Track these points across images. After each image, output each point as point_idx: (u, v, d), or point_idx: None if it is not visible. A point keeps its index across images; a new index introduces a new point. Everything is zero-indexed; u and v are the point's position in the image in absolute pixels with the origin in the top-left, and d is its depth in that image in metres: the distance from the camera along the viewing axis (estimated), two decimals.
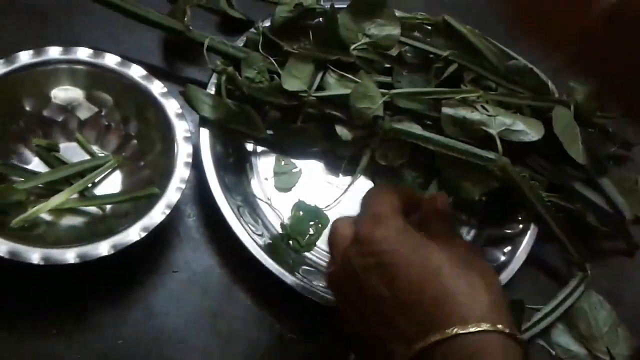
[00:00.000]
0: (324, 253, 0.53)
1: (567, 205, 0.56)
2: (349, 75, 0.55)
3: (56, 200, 0.46)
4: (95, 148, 0.53)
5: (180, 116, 0.50)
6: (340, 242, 0.40)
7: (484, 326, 0.33)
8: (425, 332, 0.34)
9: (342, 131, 0.55)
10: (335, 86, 0.55)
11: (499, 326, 0.33)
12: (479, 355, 0.33)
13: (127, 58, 0.52)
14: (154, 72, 0.52)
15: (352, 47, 0.57)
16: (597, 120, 0.62)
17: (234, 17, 0.63)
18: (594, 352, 0.51)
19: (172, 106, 0.50)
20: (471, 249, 0.42)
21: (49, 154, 0.51)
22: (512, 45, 0.64)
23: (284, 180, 0.57)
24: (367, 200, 0.42)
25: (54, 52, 0.50)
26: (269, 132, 0.56)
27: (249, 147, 0.57)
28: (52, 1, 0.61)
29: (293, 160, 0.57)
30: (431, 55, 0.59)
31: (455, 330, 0.33)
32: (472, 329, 0.33)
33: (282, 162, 0.57)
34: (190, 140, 0.49)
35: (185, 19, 0.56)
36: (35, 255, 0.42)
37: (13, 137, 0.50)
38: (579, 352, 0.51)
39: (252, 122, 0.54)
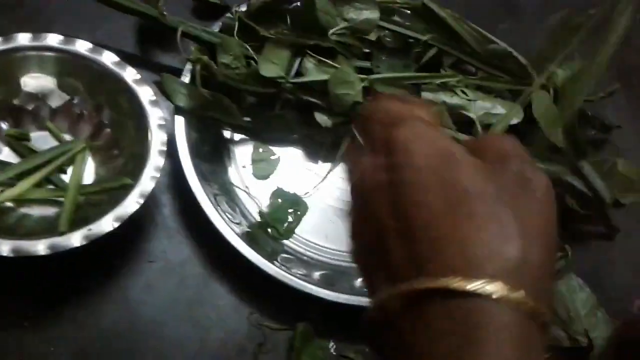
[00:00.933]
0: (303, 240, 0.52)
1: None
2: (328, 61, 0.54)
3: (20, 187, 0.45)
4: (67, 137, 0.51)
5: (154, 103, 0.49)
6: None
7: (495, 287, 0.23)
8: (415, 273, 0.24)
9: (321, 118, 0.55)
10: (313, 72, 0.54)
11: (519, 293, 0.23)
12: (473, 323, 0.23)
13: (101, 45, 0.50)
14: (128, 59, 0.50)
15: (331, 31, 0.56)
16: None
17: (210, 1, 0.61)
18: (573, 335, 0.51)
19: (145, 93, 0.49)
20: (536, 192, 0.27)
21: (20, 144, 0.50)
22: (493, 29, 0.63)
23: (262, 168, 0.56)
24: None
25: (23, 38, 0.49)
26: (247, 119, 0.55)
27: (226, 134, 0.56)
28: None
29: (271, 148, 0.57)
30: (410, 40, 0.59)
31: (450, 281, 0.23)
32: (474, 286, 0.23)
33: (260, 150, 0.56)
34: (164, 128, 0.48)
35: (160, 3, 0.55)
36: (4, 247, 0.41)
37: None
38: (558, 335, 0.51)
39: (228, 111, 0.53)
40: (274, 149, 0.57)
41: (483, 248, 0.24)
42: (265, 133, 0.57)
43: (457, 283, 0.23)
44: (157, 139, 0.47)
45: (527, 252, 0.24)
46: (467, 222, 0.25)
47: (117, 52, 0.51)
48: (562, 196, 0.56)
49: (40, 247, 0.41)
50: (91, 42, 0.50)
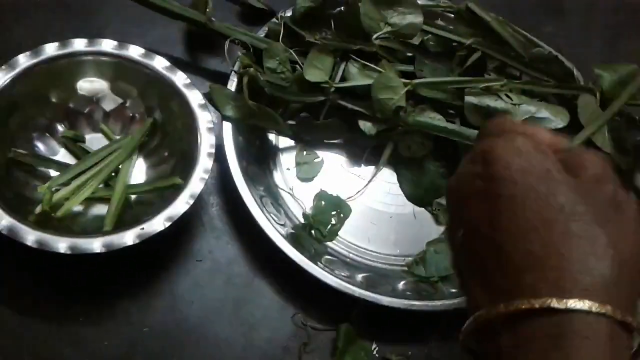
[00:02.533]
0: (346, 243, 0.53)
1: None
2: (371, 65, 0.55)
3: (86, 192, 0.47)
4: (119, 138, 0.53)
5: (203, 107, 0.50)
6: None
7: (588, 304, 0.25)
8: (514, 290, 0.26)
9: (365, 125, 0.55)
10: (357, 76, 0.55)
11: (608, 308, 0.25)
12: (570, 339, 0.25)
13: (151, 50, 0.52)
14: (177, 63, 0.52)
15: (374, 36, 0.57)
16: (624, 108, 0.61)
17: (256, 7, 0.63)
18: None
19: (195, 97, 0.50)
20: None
21: (75, 145, 0.52)
22: (538, 32, 0.63)
23: (306, 170, 0.57)
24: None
25: (79, 44, 0.51)
26: (291, 122, 0.56)
27: (271, 137, 0.58)
28: None
29: (315, 151, 0.57)
30: (454, 44, 0.59)
31: (548, 302, 0.25)
32: (570, 304, 0.25)
33: (304, 152, 0.57)
34: (213, 131, 0.49)
35: (207, 10, 0.56)
36: (62, 245, 0.43)
37: (40, 128, 0.51)
38: None
39: (274, 121, 0.54)
40: (318, 151, 0.57)
41: (578, 265, 0.26)
42: (309, 138, 0.58)
43: (556, 303, 0.25)
44: (206, 142, 0.49)
45: (618, 271, 0.26)
46: (563, 240, 0.26)
47: (166, 56, 0.52)
48: None
49: (96, 245, 0.43)
50: (142, 47, 0.52)
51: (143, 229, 0.44)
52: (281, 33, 0.56)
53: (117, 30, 0.59)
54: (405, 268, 0.52)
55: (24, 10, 0.60)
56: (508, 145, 0.28)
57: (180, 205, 0.46)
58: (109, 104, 0.53)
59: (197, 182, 0.47)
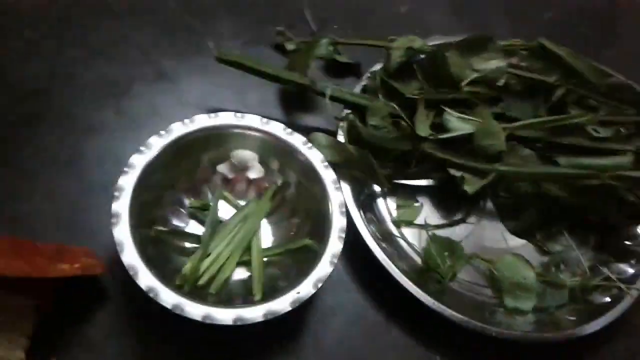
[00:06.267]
0: (468, 284, 0.56)
1: None
2: (466, 116, 0.58)
3: (232, 263, 0.50)
4: (241, 202, 0.56)
5: (327, 167, 0.53)
6: None
7: None
8: None
9: (467, 184, 0.57)
10: (456, 125, 0.58)
11: None
12: None
13: (247, 112, 0.55)
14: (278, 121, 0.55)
15: (463, 83, 0.60)
16: None
17: (341, 61, 0.66)
18: None
19: (316, 156, 0.54)
20: None
21: (203, 213, 0.55)
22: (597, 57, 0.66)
23: (408, 214, 0.60)
24: None
25: (227, 117, 0.54)
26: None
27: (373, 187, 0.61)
28: (178, 68, 0.65)
29: (416, 195, 0.61)
30: (535, 81, 0.63)
31: None
32: None
33: (403, 198, 0.60)
34: (340, 189, 0.52)
35: (308, 71, 0.60)
36: (227, 317, 0.46)
37: (171, 201, 0.54)
38: None
39: (374, 172, 0.57)
40: (419, 196, 0.61)
41: None
42: (404, 182, 0.61)
43: None
44: (335, 201, 0.52)
45: None
46: None
47: (271, 117, 0.55)
48: None
49: (257, 314, 0.46)
50: (240, 109, 0.55)
51: (299, 292, 0.47)
52: (379, 89, 0.60)
53: (218, 97, 0.62)
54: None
55: None
56: None
57: (325, 266, 0.48)
58: (254, 173, 0.56)
59: (336, 241, 0.50)
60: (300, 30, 0.69)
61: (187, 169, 0.55)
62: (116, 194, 0.48)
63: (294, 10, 0.72)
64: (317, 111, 0.63)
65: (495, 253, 0.58)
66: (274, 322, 0.49)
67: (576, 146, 0.60)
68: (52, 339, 0.47)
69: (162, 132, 0.52)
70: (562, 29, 0.77)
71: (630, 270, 0.57)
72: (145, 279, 0.45)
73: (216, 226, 0.54)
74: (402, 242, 0.58)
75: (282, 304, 0.47)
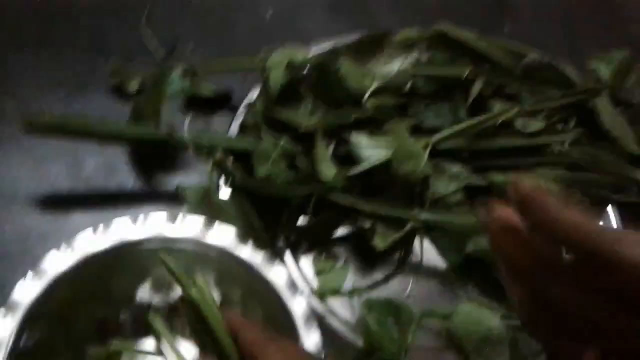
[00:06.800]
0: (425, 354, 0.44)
1: None
2: (377, 137, 0.45)
3: None
4: None
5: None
6: None
7: None
8: None
9: (375, 241, 0.45)
10: (367, 152, 0.45)
11: None
12: None
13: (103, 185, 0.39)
14: (130, 194, 0.40)
15: (365, 96, 0.47)
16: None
17: (203, 97, 0.51)
18: None
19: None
20: None
21: None
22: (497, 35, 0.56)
23: (330, 281, 0.46)
24: None
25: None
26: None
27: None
28: None
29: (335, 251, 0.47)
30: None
31: None
32: None
33: (322, 258, 0.47)
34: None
35: (161, 121, 0.44)
36: None
37: None
38: None
39: (254, 232, 0.43)
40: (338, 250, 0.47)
41: None
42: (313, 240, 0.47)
43: None
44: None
45: None
46: None
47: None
48: None
49: None
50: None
51: None
52: (262, 125, 0.45)
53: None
54: None
55: None
56: None
57: None
58: None
59: None
60: (144, 62, 0.53)
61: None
62: None
63: (131, 35, 0.55)
64: (186, 166, 0.48)
65: (449, 300, 0.46)
66: None
67: (509, 149, 0.49)
68: None
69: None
70: (447, 11, 0.66)
71: None
72: None
73: None
74: (333, 321, 0.44)
75: None
